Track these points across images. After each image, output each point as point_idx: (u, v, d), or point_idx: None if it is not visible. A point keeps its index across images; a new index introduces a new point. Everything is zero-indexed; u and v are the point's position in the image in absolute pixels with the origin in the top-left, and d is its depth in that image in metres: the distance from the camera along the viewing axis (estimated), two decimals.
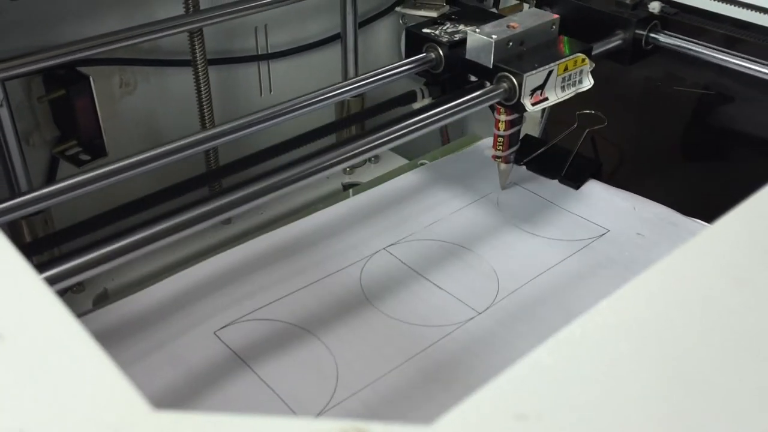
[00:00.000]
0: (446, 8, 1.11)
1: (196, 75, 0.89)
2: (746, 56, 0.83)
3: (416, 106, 0.83)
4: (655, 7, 0.88)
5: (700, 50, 0.86)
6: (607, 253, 0.86)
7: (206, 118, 0.93)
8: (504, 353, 0.73)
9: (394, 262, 0.85)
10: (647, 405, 0.29)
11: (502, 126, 0.87)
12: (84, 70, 0.82)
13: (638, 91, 1.06)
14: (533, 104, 0.75)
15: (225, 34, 0.96)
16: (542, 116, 1.16)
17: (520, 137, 0.95)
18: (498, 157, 0.92)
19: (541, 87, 0.76)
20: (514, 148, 0.92)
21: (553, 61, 0.76)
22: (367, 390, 0.69)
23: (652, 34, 0.88)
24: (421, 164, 1.04)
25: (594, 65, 0.80)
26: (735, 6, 0.85)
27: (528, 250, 0.88)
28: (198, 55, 0.88)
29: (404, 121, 0.70)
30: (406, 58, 0.84)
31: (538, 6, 0.97)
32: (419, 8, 1.11)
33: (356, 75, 1.07)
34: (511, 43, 0.77)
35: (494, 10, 1.06)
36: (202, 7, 0.85)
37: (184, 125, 0.96)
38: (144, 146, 0.95)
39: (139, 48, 0.85)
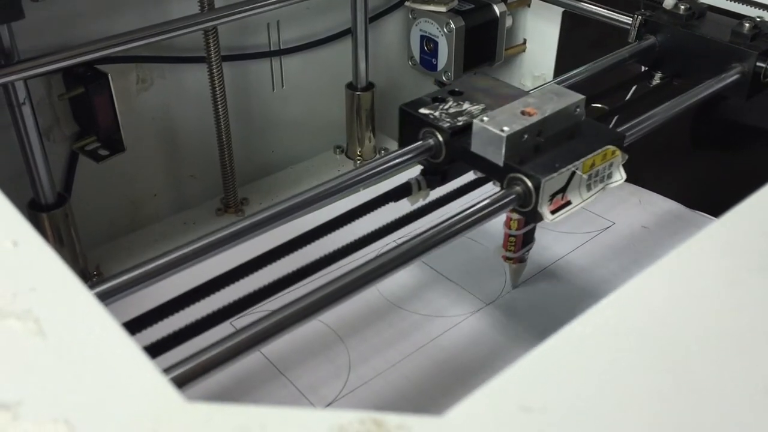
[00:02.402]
0: (455, 2, 1.13)
1: (210, 71, 0.92)
2: None
3: (412, 201, 0.71)
4: None
5: None
6: (613, 246, 0.88)
7: (220, 113, 0.95)
8: (511, 344, 0.75)
9: None
10: (648, 399, 0.30)
11: (514, 225, 0.76)
12: (102, 67, 0.84)
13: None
14: (553, 212, 0.61)
15: (238, 30, 0.98)
16: None
17: None
18: (509, 259, 0.81)
19: (563, 190, 0.61)
20: (529, 247, 0.80)
21: (577, 158, 0.61)
22: (378, 379, 0.71)
23: None
24: None
25: (627, 157, 0.65)
26: None
27: (535, 243, 0.90)
28: (213, 51, 0.90)
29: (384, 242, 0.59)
30: (402, 141, 0.69)
31: (639, 34, 0.89)
32: (428, 3, 1.12)
33: (366, 71, 1.09)
34: (526, 136, 0.61)
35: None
36: (216, 6, 0.87)
37: (199, 120, 0.98)
38: (160, 141, 0.98)
39: (156, 45, 0.87)
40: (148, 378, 0.31)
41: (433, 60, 1.13)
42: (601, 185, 0.64)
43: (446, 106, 0.68)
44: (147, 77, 0.92)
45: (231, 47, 0.97)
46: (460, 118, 0.66)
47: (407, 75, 1.19)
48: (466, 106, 0.68)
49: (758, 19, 0.81)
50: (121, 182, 0.95)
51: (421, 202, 0.69)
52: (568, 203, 0.62)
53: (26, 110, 0.76)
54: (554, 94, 0.65)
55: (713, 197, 0.96)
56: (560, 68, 1.08)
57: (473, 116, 0.64)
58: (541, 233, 0.91)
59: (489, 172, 0.63)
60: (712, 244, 0.40)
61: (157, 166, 0.99)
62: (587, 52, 0.95)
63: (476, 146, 0.63)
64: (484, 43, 1.15)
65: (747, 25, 0.80)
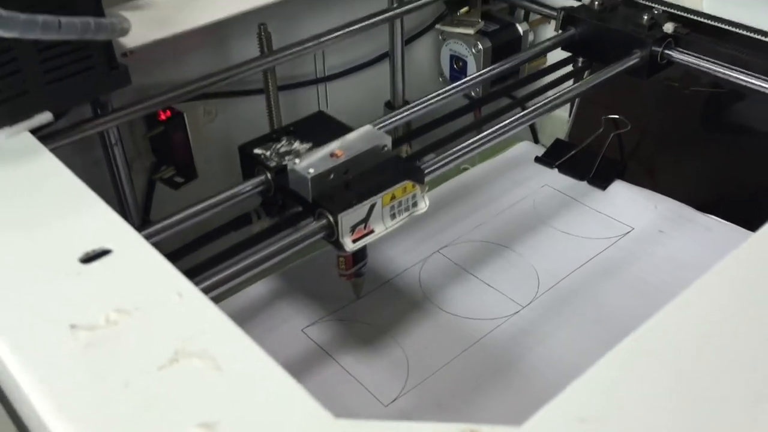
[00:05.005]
0: (481, 24, 1.23)
1: (268, 102, 1.02)
2: (749, 72, 0.92)
3: (255, 229, 0.81)
4: (668, 27, 0.97)
5: (708, 66, 0.95)
6: (632, 250, 0.99)
7: None
8: (546, 342, 0.86)
9: (447, 263, 0.98)
10: (693, 413, 0.37)
11: None
12: (175, 105, 0.95)
13: (659, 93, 1.16)
14: (354, 241, 0.71)
15: (289, 63, 1.08)
16: (570, 116, 1.27)
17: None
18: (343, 275, 0.85)
19: (365, 221, 0.71)
20: (363, 263, 0.85)
21: (375, 193, 0.71)
22: (433, 378, 0.82)
23: (666, 51, 0.97)
24: (464, 169, 1.17)
25: (427, 188, 0.76)
26: (740, 30, 0.95)
27: (562, 248, 1.00)
28: (271, 86, 1.00)
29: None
30: (244, 176, 0.80)
31: (563, 26, 1.04)
32: (457, 26, 1.22)
33: (403, 90, 1.19)
34: (332, 175, 0.71)
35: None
36: (274, 46, 0.98)
37: None
38: (225, 166, 1.09)
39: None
40: (303, 401, 0.42)
41: (462, 77, 1.23)
42: (406, 213, 0.74)
43: (279, 146, 0.78)
44: (212, 110, 1.02)
45: (283, 77, 1.08)
46: (287, 158, 0.76)
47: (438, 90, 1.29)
48: (296, 145, 0.78)
49: (656, 12, 0.99)
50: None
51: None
52: (371, 232, 0.72)
53: (117, 150, 0.87)
54: (365, 137, 0.75)
55: (727, 201, 1.06)
56: (579, 79, 1.17)
57: (298, 155, 0.74)
58: (567, 238, 1.02)
59: (304, 206, 0.72)
60: (756, 258, 0.46)
61: (222, 189, 1.09)
62: None
63: (293, 184, 0.72)
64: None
65: (645, 17, 0.98)
